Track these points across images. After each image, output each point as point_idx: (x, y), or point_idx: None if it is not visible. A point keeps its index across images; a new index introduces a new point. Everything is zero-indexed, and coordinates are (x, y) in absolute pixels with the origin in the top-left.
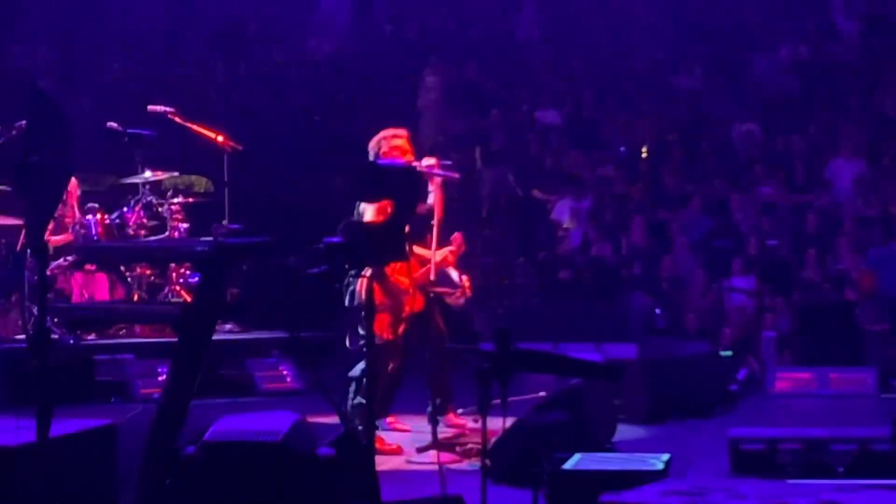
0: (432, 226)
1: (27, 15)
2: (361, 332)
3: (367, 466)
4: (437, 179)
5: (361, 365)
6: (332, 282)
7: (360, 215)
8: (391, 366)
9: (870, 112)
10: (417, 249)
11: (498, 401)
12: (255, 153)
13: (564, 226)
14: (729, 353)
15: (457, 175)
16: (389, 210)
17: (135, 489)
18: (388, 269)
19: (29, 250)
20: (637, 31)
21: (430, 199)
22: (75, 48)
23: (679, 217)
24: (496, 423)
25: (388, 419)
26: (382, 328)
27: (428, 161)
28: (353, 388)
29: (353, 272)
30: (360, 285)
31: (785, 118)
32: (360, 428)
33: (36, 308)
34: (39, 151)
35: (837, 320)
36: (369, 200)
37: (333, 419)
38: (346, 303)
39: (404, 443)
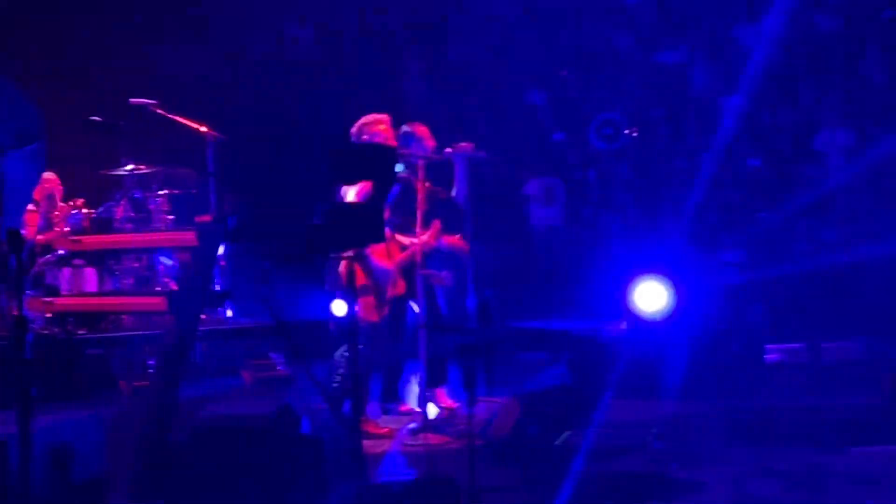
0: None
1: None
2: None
3: (355, 447)
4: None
5: (343, 349)
6: (312, 264)
7: (343, 198)
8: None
9: (857, 82)
10: (399, 236)
11: None
12: (239, 142)
13: (532, 204)
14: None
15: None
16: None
17: (126, 480)
18: (368, 252)
19: None
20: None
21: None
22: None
23: (667, 194)
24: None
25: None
26: (367, 310)
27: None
28: (340, 371)
29: (334, 255)
30: (342, 267)
31: (772, 90)
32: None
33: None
34: None
35: (828, 291)
36: (347, 182)
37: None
38: (329, 286)
39: (398, 426)
